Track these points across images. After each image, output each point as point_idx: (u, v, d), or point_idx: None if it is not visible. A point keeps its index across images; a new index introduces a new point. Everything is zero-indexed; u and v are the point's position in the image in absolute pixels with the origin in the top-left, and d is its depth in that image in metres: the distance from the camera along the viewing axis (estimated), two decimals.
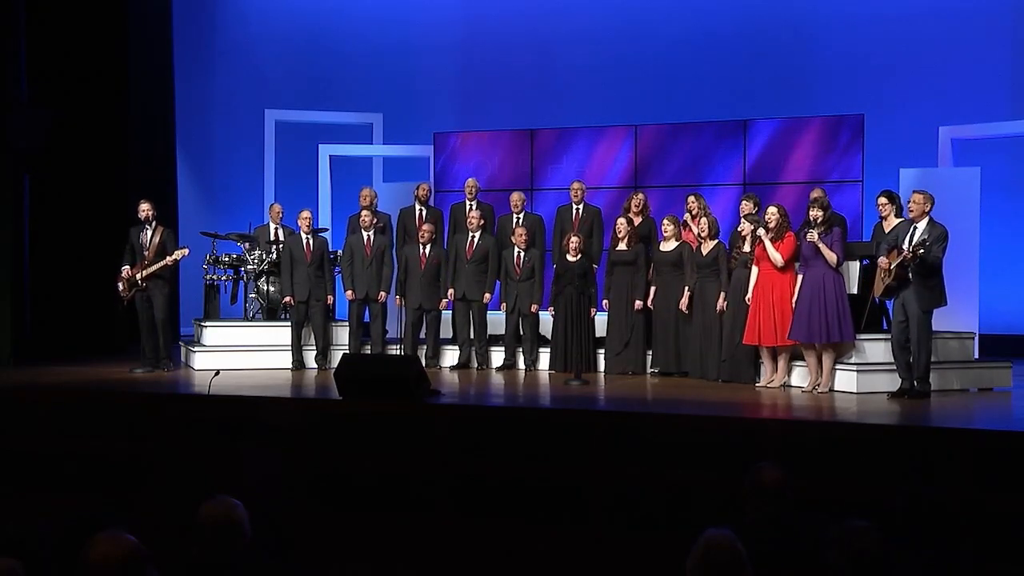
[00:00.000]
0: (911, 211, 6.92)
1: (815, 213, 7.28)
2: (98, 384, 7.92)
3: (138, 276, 8.41)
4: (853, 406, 6.66)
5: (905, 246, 6.84)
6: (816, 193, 8.01)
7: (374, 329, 8.95)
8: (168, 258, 8.41)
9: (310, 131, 12.12)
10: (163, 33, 11.75)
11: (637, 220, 8.80)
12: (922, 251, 6.63)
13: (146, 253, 8.46)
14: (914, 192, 7.06)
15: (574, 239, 8.60)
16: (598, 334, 8.65)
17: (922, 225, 6.86)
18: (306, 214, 9.05)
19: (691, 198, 8.67)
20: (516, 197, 9.28)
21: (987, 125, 10.32)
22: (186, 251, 8.50)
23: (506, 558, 5.08)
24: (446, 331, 9.34)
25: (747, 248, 7.73)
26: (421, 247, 8.91)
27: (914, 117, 10.75)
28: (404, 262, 8.94)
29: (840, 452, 5.55)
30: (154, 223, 8.57)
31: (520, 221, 9.13)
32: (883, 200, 7.62)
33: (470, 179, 9.49)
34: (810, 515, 3.69)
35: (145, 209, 8.55)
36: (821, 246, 7.16)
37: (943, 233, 6.79)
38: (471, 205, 9.24)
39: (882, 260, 6.97)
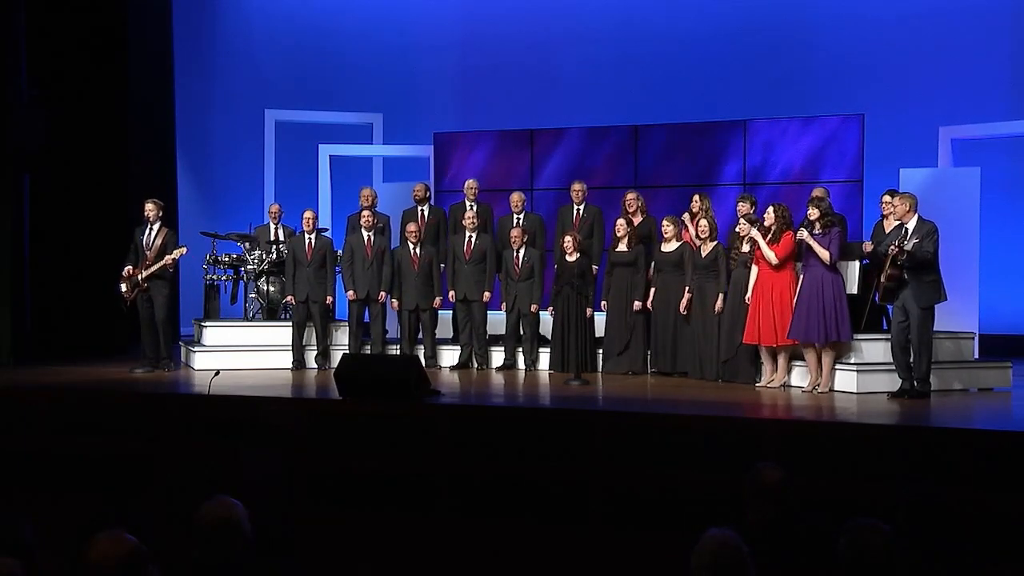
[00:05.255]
0: (895, 214, 7.00)
1: (810, 211, 7.31)
2: (98, 384, 7.91)
3: (139, 276, 8.41)
4: (853, 406, 6.66)
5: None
6: (817, 192, 8.02)
7: (374, 329, 8.95)
8: (168, 257, 8.40)
9: (310, 131, 12.12)
10: (163, 33, 11.74)
11: (637, 219, 8.79)
12: (908, 244, 6.68)
13: (148, 253, 8.47)
14: (897, 195, 7.15)
15: (568, 238, 8.60)
16: (598, 334, 8.65)
17: (911, 224, 6.92)
18: (309, 214, 9.06)
19: (696, 197, 8.65)
20: (516, 197, 9.28)
21: (987, 125, 10.32)
22: (183, 250, 8.49)
23: (506, 558, 5.08)
24: (445, 331, 9.35)
25: (745, 248, 7.73)
26: (411, 247, 8.91)
27: (914, 117, 10.75)
28: (397, 263, 8.94)
29: (840, 452, 5.55)
30: (158, 223, 8.57)
31: (520, 221, 9.13)
32: (887, 198, 7.64)
33: (470, 180, 9.48)
34: (811, 515, 3.70)
35: (148, 209, 8.57)
36: (811, 243, 7.18)
37: (932, 228, 6.87)
38: (470, 206, 9.24)
39: (866, 244, 7.01)
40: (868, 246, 7.07)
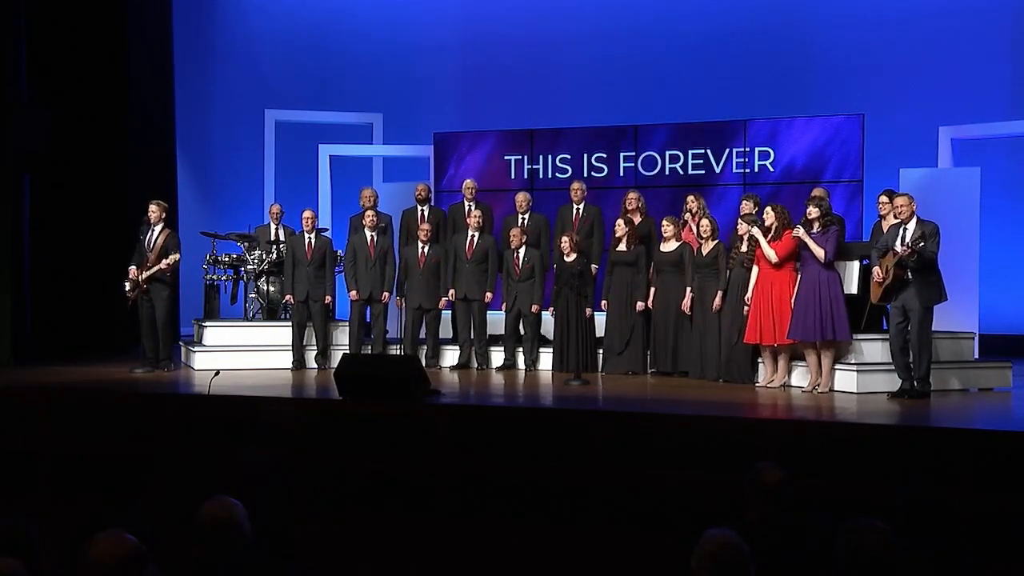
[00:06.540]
0: (900, 214, 6.96)
1: (809, 210, 7.31)
2: (98, 384, 7.91)
3: (140, 277, 8.42)
4: (853, 406, 6.66)
5: (898, 247, 6.85)
6: (817, 192, 8.02)
7: (375, 329, 8.95)
8: (163, 262, 8.40)
9: (310, 131, 12.12)
10: (163, 33, 11.74)
11: (637, 219, 8.79)
12: (921, 244, 6.65)
13: (149, 254, 8.48)
14: (898, 195, 7.13)
15: (564, 238, 8.60)
16: (598, 334, 8.65)
17: (912, 225, 6.90)
18: (308, 214, 9.07)
19: (690, 197, 8.68)
20: (521, 197, 9.28)
21: (987, 125, 10.33)
22: (176, 257, 8.47)
23: (506, 558, 5.08)
24: (446, 331, 9.35)
25: (744, 248, 7.73)
26: (420, 247, 8.92)
27: (914, 117, 10.75)
28: (404, 262, 8.96)
29: (840, 452, 5.55)
30: (160, 225, 8.57)
31: (524, 221, 9.13)
32: (884, 199, 7.64)
33: (468, 180, 9.49)
34: (810, 515, 3.69)
35: (151, 211, 8.59)
36: (807, 240, 7.18)
37: (935, 228, 6.85)
38: (470, 206, 9.24)
39: (876, 272, 6.99)
40: (878, 275, 7.02)
